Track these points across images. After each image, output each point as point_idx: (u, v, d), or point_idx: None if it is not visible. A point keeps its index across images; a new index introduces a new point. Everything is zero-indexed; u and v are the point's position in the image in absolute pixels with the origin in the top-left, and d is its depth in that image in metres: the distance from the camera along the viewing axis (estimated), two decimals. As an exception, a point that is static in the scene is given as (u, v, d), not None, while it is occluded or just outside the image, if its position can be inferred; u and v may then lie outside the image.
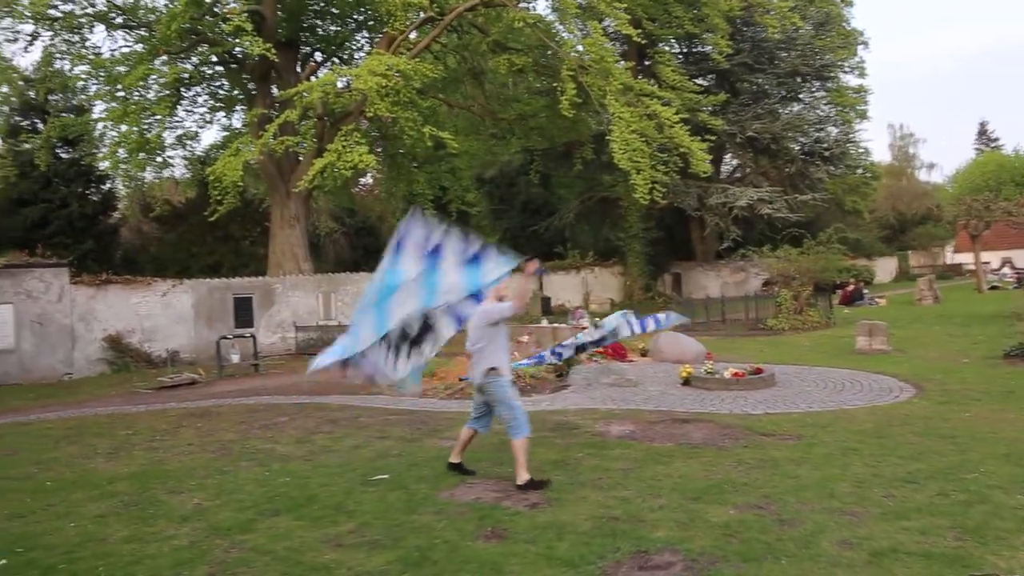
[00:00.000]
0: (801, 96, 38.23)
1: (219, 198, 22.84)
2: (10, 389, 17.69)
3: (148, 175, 29.01)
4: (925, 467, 6.92)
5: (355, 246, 38.88)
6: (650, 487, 6.73)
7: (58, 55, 24.80)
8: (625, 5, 23.26)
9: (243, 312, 22.70)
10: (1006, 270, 40.67)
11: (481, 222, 38.02)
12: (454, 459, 7.51)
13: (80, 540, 6.17)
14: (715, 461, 7.48)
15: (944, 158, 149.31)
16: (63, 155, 28.33)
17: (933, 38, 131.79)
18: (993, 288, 33.81)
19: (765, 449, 7.85)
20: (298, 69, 27.36)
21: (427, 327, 7.37)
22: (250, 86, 27.09)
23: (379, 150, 28.16)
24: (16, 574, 5.53)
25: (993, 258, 47.19)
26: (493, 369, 7.09)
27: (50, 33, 24.04)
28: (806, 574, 4.75)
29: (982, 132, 74.05)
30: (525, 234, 37.95)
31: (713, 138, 29.01)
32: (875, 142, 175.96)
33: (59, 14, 23.25)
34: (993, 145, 69.69)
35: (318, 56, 30.43)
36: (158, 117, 24.93)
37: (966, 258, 50.94)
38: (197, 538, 6.05)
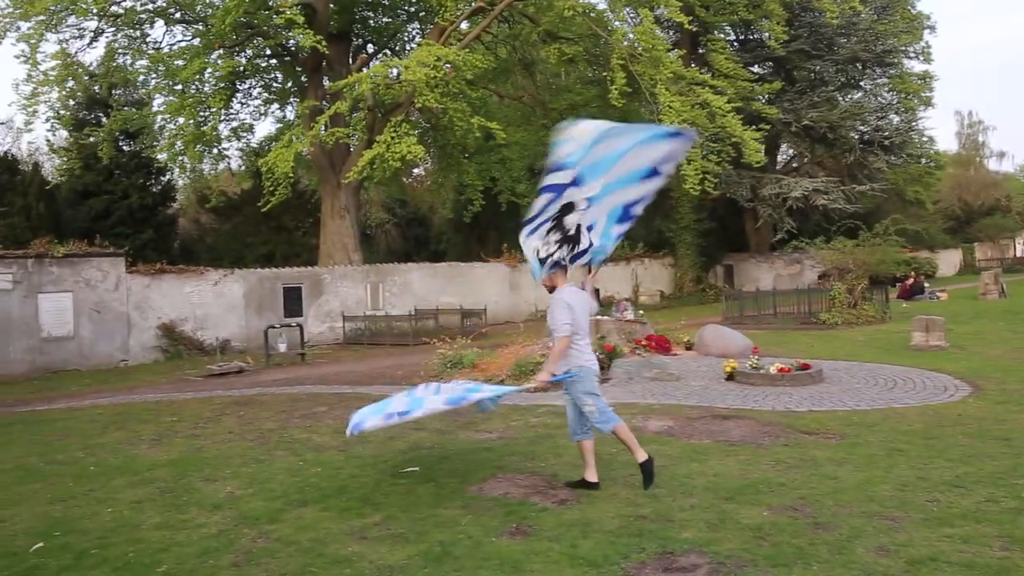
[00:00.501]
0: (861, 83, 37.44)
1: (272, 189, 23.24)
2: (69, 375, 18.22)
3: (205, 167, 29.46)
4: (975, 471, 6.63)
5: (407, 236, 39.18)
6: (683, 485, 6.56)
7: (120, 51, 25.42)
8: (677, -8, 22.96)
9: (292, 301, 22.99)
10: (1078, 264, 39.20)
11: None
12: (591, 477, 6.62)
13: (115, 526, 6.26)
14: (752, 460, 7.27)
15: (1016, 146, 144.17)
16: (125, 148, 29.01)
17: (1006, 21, 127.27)
18: (1066, 283, 32.64)
19: (806, 448, 7.60)
20: (350, 61, 27.48)
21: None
22: (303, 78, 27.35)
23: (429, 141, 28.18)
24: (50, 557, 5.60)
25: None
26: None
27: (112, 29, 24.63)
28: (837, 582, 4.59)
29: (1056, 120, 71.46)
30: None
31: (767, 127, 28.65)
32: (941, 130, 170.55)
33: (121, 11, 23.71)
34: (1069, 132, 67.19)
35: (370, 48, 30.62)
36: (213, 110, 25.37)
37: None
38: (226, 527, 6.09)
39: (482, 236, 36.55)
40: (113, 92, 28.12)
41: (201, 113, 25.16)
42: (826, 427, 8.48)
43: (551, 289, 6.70)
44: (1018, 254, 54.99)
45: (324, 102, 24.85)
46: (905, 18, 36.34)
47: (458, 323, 22.50)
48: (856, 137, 35.05)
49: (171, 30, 26.33)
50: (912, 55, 37.66)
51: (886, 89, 37.39)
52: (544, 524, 5.74)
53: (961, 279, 41.61)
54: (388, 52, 30.83)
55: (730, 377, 11.92)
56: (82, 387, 15.72)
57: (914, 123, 37.54)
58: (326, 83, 25.87)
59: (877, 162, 34.80)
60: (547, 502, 6.28)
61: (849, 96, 36.48)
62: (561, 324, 6.32)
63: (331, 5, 25.48)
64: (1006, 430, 8.06)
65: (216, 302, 21.70)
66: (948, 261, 47.55)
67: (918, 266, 34.63)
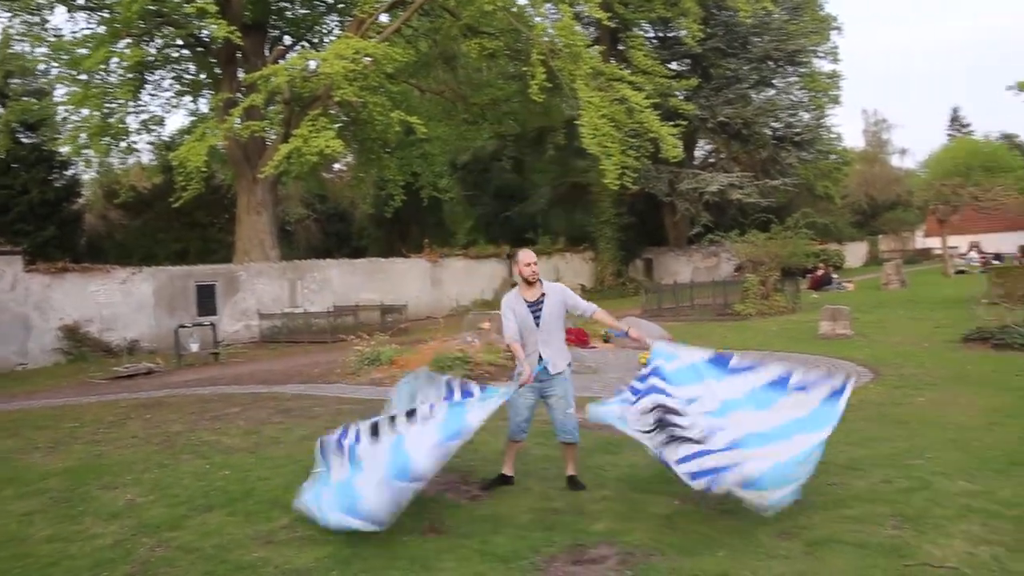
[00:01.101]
0: (774, 81, 38.27)
1: (184, 184, 22.55)
2: (-42, 380, 17.31)
3: (113, 161, 28.40)
4: (872, 453, 6.86)
5: (327, 232, 38.71)
6: (596, 477, 6.58)
7: (17, 37, 24.23)
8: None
9: (206, 300, 22.36)
10: (973, 254, 41.05)
11: (454, 208, 37.88)
12: (508, 471, 6.52)
13: (1, 540, 5.96)
14: (665, 450, 7.35)
15: (917, 144, 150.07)
16: (24, 140, 27.81)
17: (910, 26, 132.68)
18: (960, 272, 34.06)
19: (717, 437, 7.72)
20: (265, 53, 26.90)
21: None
22: (216, 70, 26.66)
23: (348, 135, 27.79)
24: (-72, 579, 5.32)
25: (961, 242, 47.57)
26: (569, 364, 6.38)
27: (9, 14, 23.54)
28: (741, 567, 4.65)
29: (954, 118, 74.72)
30: (498, 220, 37.86)
31: (685, 123, 29.03)
32: (848, 128, 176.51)
33: (14, -10, 22.74)
34: (965, 131, 69.91)
35: (286, 40, 29.97)
36: (121, 101, 24.42)
37: (935, 243, 51.29)
38: (123, 536, 5.84)
39: (404, 231, 36.39)
40: (9, 81, 26.85)
41: (107, 104, 24.17)
42: (737, 416, 8.63)
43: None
44: (918, 246, 57.16)
45: (239, 94, 24.24)
46: (814, 19, 37.34)
47: (378, 319, 22.24)
48: (769, 133, 35.96)
49: (73, 17, 25.35)
50: (821, 55, 38.70)
51: (797, 87, 38.31)
52: (456, 520, 5.70)
53: (867, 270, 43.11)
54: (305, 44, 30.31)
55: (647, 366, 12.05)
56: (-27, 393, 14.98)
57: (823, 120, 38.67)
58: (241, 75, 25.33)
59: (789, 158, 35.81)
60: (461, 498, 6.25)
61: (762, 93, 37.33)
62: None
63: (245, -7, 24.93)
64: (902, 413, 8.37)
65: (124, 301, 20.89)
66: (855, 253, 49.23)
67: (827, 258, 35.71)
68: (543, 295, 6.17)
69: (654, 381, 5.82)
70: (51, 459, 8.60)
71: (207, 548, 5.45)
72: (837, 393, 5.64)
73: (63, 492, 7.16)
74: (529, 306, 6.13)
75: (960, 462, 6.48)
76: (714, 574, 4.57)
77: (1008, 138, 57.70)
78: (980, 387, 9.46)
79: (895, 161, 68.40)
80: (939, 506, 5.47)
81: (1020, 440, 7.05)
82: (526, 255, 6.23)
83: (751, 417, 5.58)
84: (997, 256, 40.11)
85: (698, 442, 5.44)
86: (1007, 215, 52.18)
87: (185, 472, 7.58)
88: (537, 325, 6.09)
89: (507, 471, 6.43)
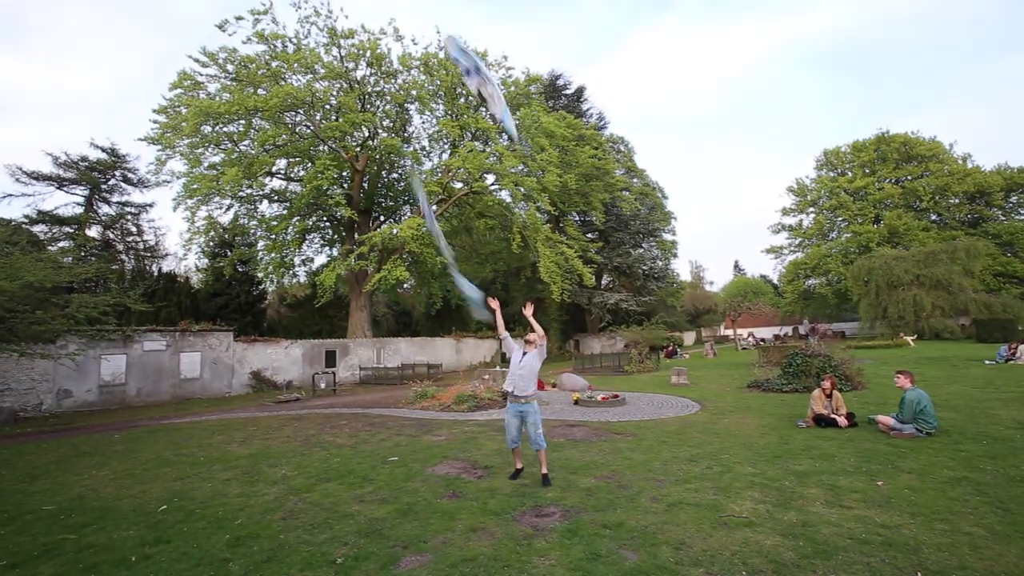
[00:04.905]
0: (643, 244, 39.01)
1: (321, 294, 22.58)
2: (196, 401, 16.84)
3: (284, 281, 28.45)
4: (701, 451, 6.81)
5: (399, 322, 38.31)
6: (548, 466, 6.44)
7: (241, 215, 24.75)
8: (547, 196, 23.92)
9: (330, 358, 21.98)
10: (750, 339, 41.01)
11: (469, 310, 37.80)
12: (519, 465, 6.06)
13: (212, 494, 5.79)
14: (587, 449, 7.24)
15: (718, 278, 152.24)
16: (239, 269, 27.83)
17: (713, 214, 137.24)
18: (744, 348, 34.09)
19: (615, 442, 7.62)
20: (370, 224, 27.40)
21: None
22: (343, 232, 27.03)
23: (412, 269, 28.08)
24: (170, 515, 5.14)
25: (744, 332, 47.80)
26: (535, 396, 5.93)
27: (238, 205, 24.14)
28: (630, 518, 4.60)
29: (736, 266, 76.26)
30: (493, 318, 37.74)
31: (595, 266, 29.61)
32: (682, 268, 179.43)
33: (243, 194, 23.31)
34: (741, 272, 71.53)
35: (382, 217, 30.59)
36: (291, 250, 24.81)
37: (730, 332, 51.70)
38: (280, 495, 5.69)
39: (441, 322, 36.16)
40: (235, 238, 27.21)
41: (284, 251, 24.54)
42: (626, 430, 8.54)
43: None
44: (721, 333, 57.26)
45: (354, 246, 24.62)
46: (663, 213, 38.54)
47: (426, 372, 21.92)
48: (642, 272, 36.54)
49: (271, 205, 25.92)
50: (666, 231, 39.55)
51: (655, 248, 39.08)
52: (468, 490, 5.60)
53: (695, 347, 42.98)
54: (392, 220, 30.87)
55: (576, 402, 11.88)
56: (202, 409, 14.57)
57: (669, 265, 39.37)
58: (356, 236, 25.73)
59: (651, 285, 36.23)
60: (471, 477, 6.13)
61: (636, 250, 38.06)
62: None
63: (361, 194, 25.58)
64: (716, 428, 8.32)
65: (285, 358, 20.60)
66: (689, 337, 49.23)
67: (674, 340, 35.74)
68: (527, 352, 5.92)
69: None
70: (241, 448, 8.42)
71: (326, 503, 5.33)
72: None
73: (246, 468, 7.01)
74: (522, 353, 5.92)
75: (747, 456, 6.46)
76: (615, 522, 4.52)
77: (763, 277, 58.69)
78: (756, 413, 9.46)
79: (708, 288, 69.43)
80: (737, 482, 5.45)
81: (778, 443, 7.05)
82: (529, 335, 5.98)
83: None
84: (762, 339, 40.23)
85: None
86: (765, 317, 53.01)
87: (315, 458, 7.41)
88: (520, 360, 5.85)
89: (519, 465, 6.02)
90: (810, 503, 4.73)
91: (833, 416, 7.99)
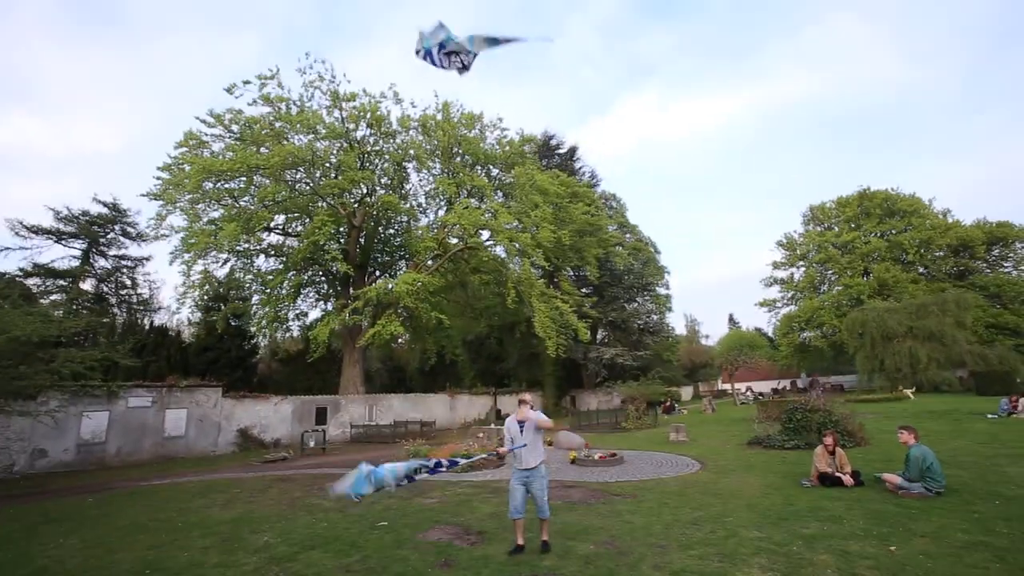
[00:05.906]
0: (637, 299, 39.07)
1: (315, 349, 22.29)
2: (180, 460, 16.20)
3: (277, 335, 28.17)
4: (704, 514, 6.52)
5: (392, 378, 37.69)
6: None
7: (237, 269, 24.81)
8: (542, 251, 24.21)
9: (320, 415, 21.39)
10: (748, 393, 40.48)
11: (463, 365, 37.33)
12: (520, 541, 5.48)
13: (188, 564, 5.43)
14: (585, 512, 6.91)
15: (714, 331, 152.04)
16: (232, 323, 27.58)
17: (707, 269, 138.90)
18: (743, 403, 33.53)
19: (614, 504, 7.31)
20: (365, 279, 27.45)
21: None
22: (338, 287, 27.04)
23: (407, 324, 27.92)
24: (139, 592, 4.77)
25: (742, 386, 47.28)
26: (543, 461, 5.61)
27: (234, 259, 24.25)
28: (631, 589, 4.30)
29: (731, 319, 76.39)
30: (488, 372, 37.25)
31: (590, 320, 29.53)
32: (677, 323, 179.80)
33: (240, 248, 23.46)
34: (736, 325, 71.50)
35: (377, 272, 30.71)
36: (286, 304, 24.74)
37: (728, 386, 51.10)
38: (260, 564, 5.34)
39: (435, 378, 35.60)
40: (229, 291, 27.13)
41: (279, 305, 24.43)
42: (625, 490, 8.22)
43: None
44: (719, 388, 56.57)
45: (349, 300, 24.56)
46: (656, 268, 38.90)
47: (419, 429, 21.29)
48: (637, 326, 36.47)
49: (267, 260, 26.02)
50: (660, 286, 39.73)
51: (649, 302, 39.15)
52: (461, 558, 5.29)
53: (693, 402, 42.30)
54: (387, 275, 30.97)
55: (573, 461, 11.48)
56: (185, 469, 13.97)
57: (664, 319, 39.31)
58: (351, 291, 25.73)
59: (647, 340, 36.09)
60: (464, 544, 5.81)
61: (631, 305, 38.11)
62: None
63: (357, 249, 25.80)
64: (719, 489, 8.03)
65: (274, 415, 19.99)
66: (686, 392, 48.53)
67: (671, 395, 35.15)
68: (525, 418, 5.69)
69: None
70: (223, 511, 8.01)
71: (309, 574, 5.00)
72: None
73: (227, 534, 6.63)
74: (519, 423, 5.66)
75: (752, 519, 6.18)
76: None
77: (758, 330, 58.74)
78: (759, 472, 9.16)
79: (704, 341, 69.21)
80: (743, 547, 5.18)
81: (783, 504, 6.78)
82: (522, 396, 5.75)
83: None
84: (761, 394, 39.72)
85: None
86: (762, 371, 52.55)
87: (300, 523, 7.04)
88: (521, 433, 5.62)
89: (520, 541, 5.43)
90: (821, 571, 4.47)
91: (838, 474, 7.73)
